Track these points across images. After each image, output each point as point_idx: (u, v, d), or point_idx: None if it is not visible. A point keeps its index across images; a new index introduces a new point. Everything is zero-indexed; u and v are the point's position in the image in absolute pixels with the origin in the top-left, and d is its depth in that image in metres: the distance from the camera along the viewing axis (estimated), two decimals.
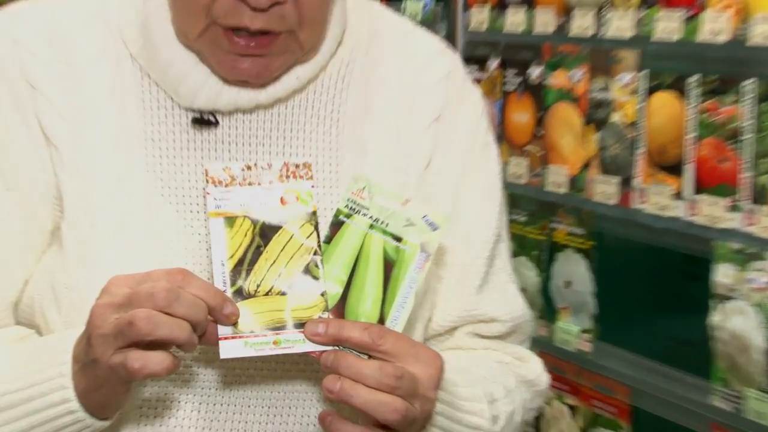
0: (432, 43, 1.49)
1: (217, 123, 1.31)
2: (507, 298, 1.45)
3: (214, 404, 1.29)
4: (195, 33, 1.25)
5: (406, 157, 1.37)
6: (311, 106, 1.35)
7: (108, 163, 1.30)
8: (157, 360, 1.07)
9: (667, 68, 2.18)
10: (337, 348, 1.14)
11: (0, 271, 1.29)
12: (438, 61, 1.44)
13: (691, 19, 2.06)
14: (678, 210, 2.09)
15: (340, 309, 1.19)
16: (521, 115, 2.61)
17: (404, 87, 1.40)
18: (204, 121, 1.31)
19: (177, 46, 1.30)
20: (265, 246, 1.19)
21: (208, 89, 1.31)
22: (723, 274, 2.00)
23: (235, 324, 1.17)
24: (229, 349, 1.13)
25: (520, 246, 2.61)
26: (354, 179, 1.22)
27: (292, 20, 1.22)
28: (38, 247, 1.29)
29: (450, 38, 2.77)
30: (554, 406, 2.55)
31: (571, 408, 2.51)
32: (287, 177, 1.22)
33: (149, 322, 1.05)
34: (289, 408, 1.30)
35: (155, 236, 1.29)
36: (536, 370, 1.43)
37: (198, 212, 1.31)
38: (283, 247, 1.21)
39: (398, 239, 1.21)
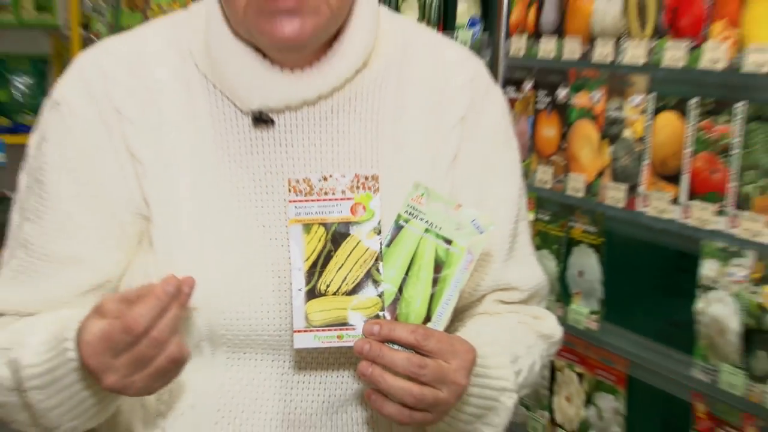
0: (458, 50, 1.52)
1: (272, 121, 1.36)
2: (527, 270, 1.52)
3: (291, 368, 1.36)
4: (241, 6, 1.29)
5: (436, 152, 1.42)
6: (352, 108, 1.39)
7: (186, 172, 1.36)
8: None
9: (672, 92, 2.20)
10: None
11: (77, 261, 1.35)
12: (463, 66, 1.48)
13: (695, 49, 2.08)
14: (674, 213, 2.15)
15: (394, 307, 1.26)
16: (549, 130, 2.65)
17: (434, 90, 1.44)
18: (261, 119, 1.36)
19: (231, 40, 1.34)
20: (336, 251, 1.26)
21: (262, 81, 1.34)
22: (708, 269, 2.06)
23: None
24: (301, 341, 1.22)
25: (543, 240, 2.70)
26: (414, 186, 1.27)
27: None
28: (122, 245, 1.35)
29: (493, 63, 2.82)
30: (565, 374, 2.63)
31: (579, 375, 2.59)
32: (357, 188, 1.26)
33: None
34: (341, 376, 1.38)
35: (229, 234, 1.35)
36: (551, 325, 1.51)
37: (262, 207, 1.37)
38: (350, 253, 1.26)
39: (449, 242, 1.27)
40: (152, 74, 1.36)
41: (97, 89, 1.34)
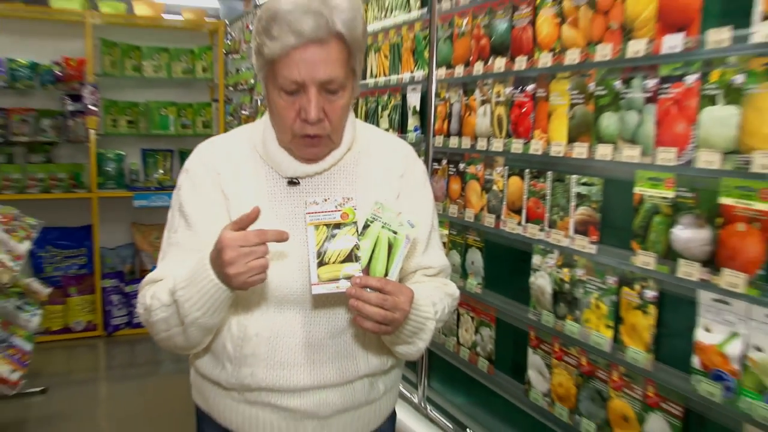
0: (399, 141, 1.75)
1: (298, 183, 1.55)
2: (437, 257, 1.74)
3: (310, 311, 1.54)
4: (287, 140, 1.51)
5: (387, 193, 1.64)
6: (342, 174, 1.59)
7: (250, 206, 1.47)
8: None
9: (516, 165, 2.66)
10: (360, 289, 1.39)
11: (202, 250, 1.46)
12: (402, 150, 1.72)
13: (526, 143, 2.54)
14: (519, 230, 2.61)
15: (366, 269, 1.42)
16: (455, 186, 3.05)
17: (386, 162, 1.66)
18: (293, 182, 1.54)
19: (278, 147, 1.56)
20: (333, 239, 1.39)
21: (293, 166, 1.54)
22: (536, 260, 2.53)
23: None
24: (316, 289, 1.39)
25: (453, 245, 3.11)
26: (375, 203, 1.47)
27: (328, 129, 1.48)
28: None
29: (426, 150, 3.21)
30: (464, 317, 3.09)
31: (471, 317, 3.04)
32: (344, 204, 1.42)
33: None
34: (339, 314, 1.57)
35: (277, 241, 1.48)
36: (453, 289, 1.74)
37: (292, 226, 1.52)
38: (341, 240, 1.40)
39: (395, 232, 1.43)
40: (235, 155, 1.61)
41: (207, 162, 1.60)
